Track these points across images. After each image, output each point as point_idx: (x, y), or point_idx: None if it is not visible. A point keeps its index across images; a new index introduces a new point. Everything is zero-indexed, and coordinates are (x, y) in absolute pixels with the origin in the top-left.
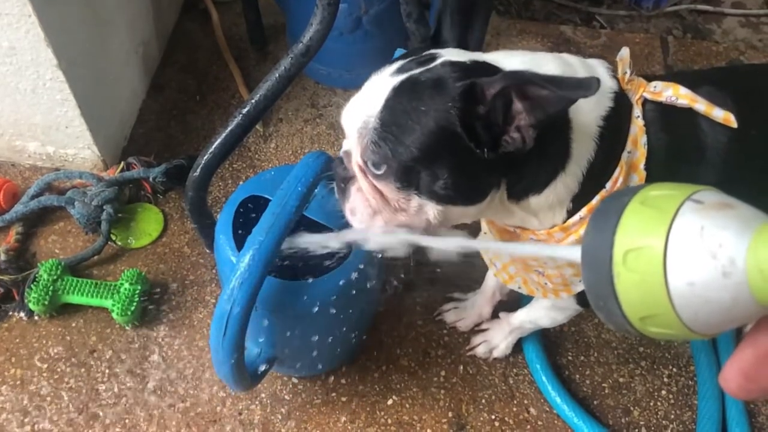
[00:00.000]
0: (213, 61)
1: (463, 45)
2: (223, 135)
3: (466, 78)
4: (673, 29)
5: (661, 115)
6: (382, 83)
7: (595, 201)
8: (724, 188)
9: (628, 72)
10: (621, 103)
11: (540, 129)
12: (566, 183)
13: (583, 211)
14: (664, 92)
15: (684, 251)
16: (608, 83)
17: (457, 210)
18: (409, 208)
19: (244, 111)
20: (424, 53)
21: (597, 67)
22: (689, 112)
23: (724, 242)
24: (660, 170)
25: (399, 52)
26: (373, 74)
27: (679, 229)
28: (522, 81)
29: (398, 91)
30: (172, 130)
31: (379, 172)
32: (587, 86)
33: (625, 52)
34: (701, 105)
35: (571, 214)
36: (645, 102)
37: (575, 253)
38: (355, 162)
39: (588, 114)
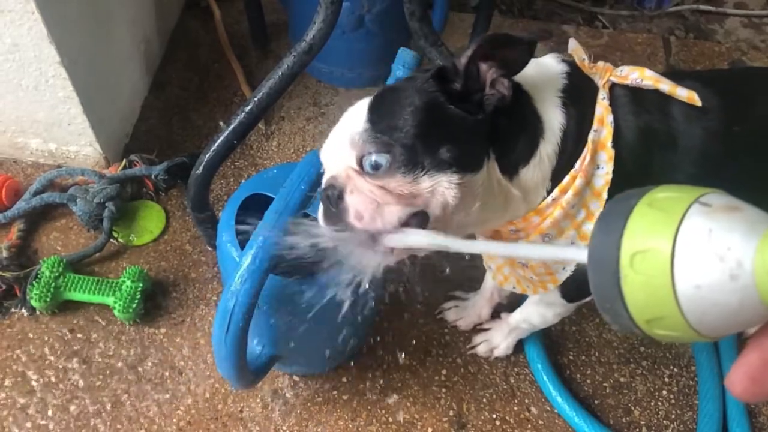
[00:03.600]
0: (215, 58)
1: None
2: (226, 133)
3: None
4: (676, 29)
5: (631, 100)
6: (356, 109)
7: (566, 181)
8: (706, 182)
9: (586, 58)
10: (579, 82)
11: (510, 77)
12: (548, 152)
13: (556, 192)
14: (630, 75)
15: (691, 254)
16: (557, 67)
17: (467, 183)
18: (422, 192)
19: (247, 109)
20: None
21: (543, 58)
22: (662, 100)
23: (732, 245)
24: (630, 150)
25: (401, 51)
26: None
27: (686, 232)
28: (486, 42)
29: (377, 98)
30: (174, 127)
31: (380, 170)
32: (534, 35)
33: (573, 44)
34: (665, 85)
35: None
36: (614, 87)
37: (582, 255)
38: (349, 168)
39: (544, 87)
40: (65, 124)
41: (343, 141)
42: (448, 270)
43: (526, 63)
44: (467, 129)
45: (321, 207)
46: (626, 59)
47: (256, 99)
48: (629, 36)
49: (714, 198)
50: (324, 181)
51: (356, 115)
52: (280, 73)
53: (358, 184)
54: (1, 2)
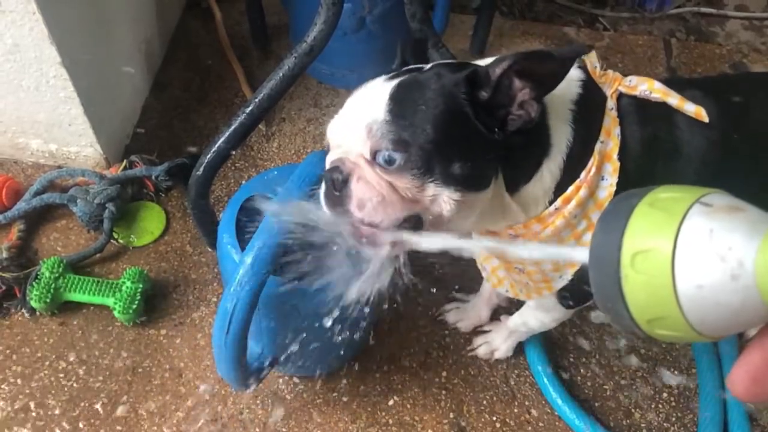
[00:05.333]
0: (216, 59)
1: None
2: (226, 134)
3: (460, 71)
4: (677, 31)
5: (637, 109)
6: (378, 87)
7: (570, 191)
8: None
9: (598, 66)
10: (591, 92)
11: (541, 101)
12: (551, 169)
13: (558, 202)
14: (639, 86)
15: (693, 254)
16: (574, 73)
17: (468, 201)
18: (424, 198)
19: (248, 110)
20: (406, 68)
21: None
22: (666, 110)
23: (733, 245)
24: (635, 161)
25: None
26: (354, 92)
27: (687, 232)
28: (524, 58)
29: (401, 87)
30: (174, 128)
31: (392, 166)
32: (578, 48)
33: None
34: (674, 99)
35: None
36: (621, 96)
37: (583, 255)
38: (360, 156)
39: (559, 99)
40: (66, 124)
41: (359, 126)
42: (447, 270)
43: (560, 82)
44: (483, 147)
45: (323, 188)
46: (627, 61)
47: (256, 100)
48: (630, 38)
49: (715, 198)
50: (329, 160)
51: (374, 99)
52: (281, 74)
53: (365, 173)
54: (2, 3)
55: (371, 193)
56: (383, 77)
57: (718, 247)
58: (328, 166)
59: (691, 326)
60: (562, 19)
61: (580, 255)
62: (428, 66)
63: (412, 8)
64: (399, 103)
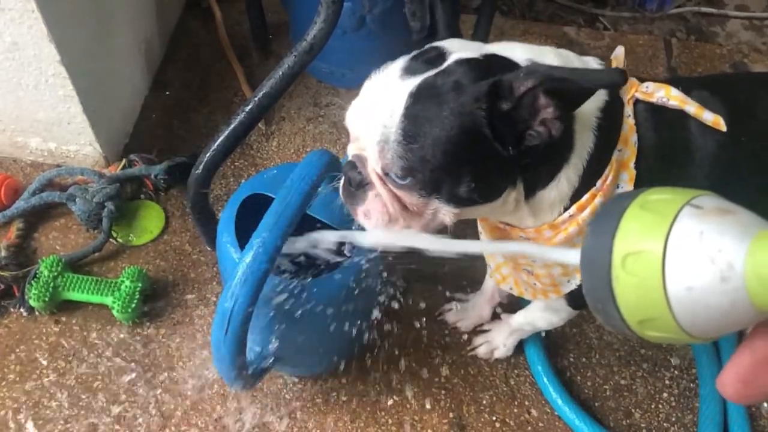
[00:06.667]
0: (216, 58)
1: (456, 32)
2: (226, 133)
3: (484, 76)
4: (677, 31)
5: (652, 115)
6: (394, 87)
7: (585, 199)
8: (715, 191)
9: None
10: (614, 99)
11: (564, 121)
12: (569, 176)
13: (573, 209)
14: (656, 93)
15: (683, 256)
16: None
17: (471, 210)
18: (426, 214)
19: (247, 109)
20: (426, 47)
21: (591, 62)
22: (680, 115)
23: (723, 247)
24: (649, 169)
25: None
26: (373, 73)
27: (678, 234)
28: (554, 78)
29: (417, 98)
30: (174, 127)
31: (403, 183)
32: (616, 78)
33: (619, 51)
34: (691, 107)
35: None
36: (636, 102)
37: (575, 256)
38: (373, 170)
39: (587, 105)
40: (65, 123)
41: (374, 132)
42: (447, 270)
43: (584, 102)
44: (496, 165)
45: (343, 179)
46: (627, 61)
47: (256, 99)
48: (630, 38)
49: (705, 200)
50: (350, 152)
51: (389, 107)
52: (280, 73)
53: (382, 192)
54: (1, 1)
55: (380, 212)
56: (401, 65)
57: (708, 250)
58: (348, 156)
59: (681, 328)
60: (562, 18)
61: (572, 256)
62: (450, 56)
63: (412, 7)
64: (413, 121)
